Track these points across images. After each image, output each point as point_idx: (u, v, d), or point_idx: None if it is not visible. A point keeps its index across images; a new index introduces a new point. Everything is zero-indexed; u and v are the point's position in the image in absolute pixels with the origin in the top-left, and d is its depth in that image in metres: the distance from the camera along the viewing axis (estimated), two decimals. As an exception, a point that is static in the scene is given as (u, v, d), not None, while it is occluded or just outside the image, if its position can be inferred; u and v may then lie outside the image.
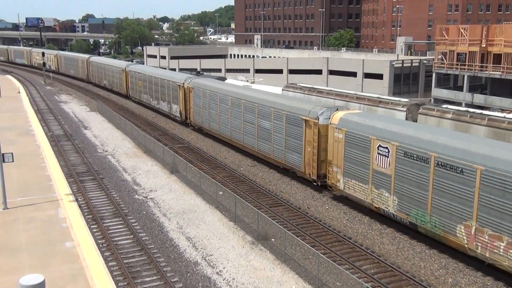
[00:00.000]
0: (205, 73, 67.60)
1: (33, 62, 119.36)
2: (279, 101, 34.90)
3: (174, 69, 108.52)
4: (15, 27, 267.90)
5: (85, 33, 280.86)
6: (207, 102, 44.32)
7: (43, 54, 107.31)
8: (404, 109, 37.46)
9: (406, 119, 36.31)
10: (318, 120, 29.88)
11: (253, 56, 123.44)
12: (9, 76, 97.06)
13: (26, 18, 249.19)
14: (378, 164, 25.43)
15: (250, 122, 37.35)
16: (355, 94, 45.04)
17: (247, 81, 52.90)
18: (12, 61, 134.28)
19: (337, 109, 30.08)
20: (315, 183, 31.05)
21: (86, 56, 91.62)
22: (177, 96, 51.10)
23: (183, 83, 49.50)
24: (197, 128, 48.65)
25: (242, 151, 40.09)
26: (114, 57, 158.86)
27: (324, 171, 30.09)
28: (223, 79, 60.16)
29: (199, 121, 46.86)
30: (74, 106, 65.36)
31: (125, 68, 68.40)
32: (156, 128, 51.28)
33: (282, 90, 52.70)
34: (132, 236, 24.55)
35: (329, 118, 29.23)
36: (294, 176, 33.59)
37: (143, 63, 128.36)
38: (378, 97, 42.13)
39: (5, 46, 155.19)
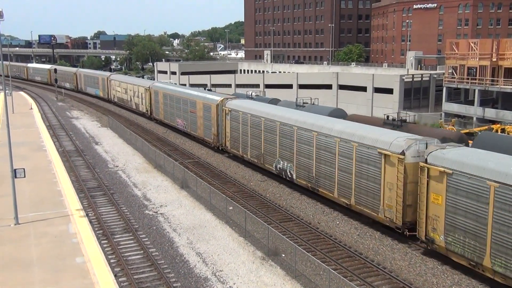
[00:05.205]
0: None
1: (111, 95, 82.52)
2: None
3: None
4: (28, 44, 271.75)
5: (97, 49, 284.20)
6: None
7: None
8: None
9: None
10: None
11: (263, 71, 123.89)
12: (21, 93, 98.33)
13: (39, 35, 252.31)
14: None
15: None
16: None
17: None
18: (81, 91, 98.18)
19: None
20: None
21: (216, 97, 46.12)
22: None
23: None
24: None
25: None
26: (126, 73, 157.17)
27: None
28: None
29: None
30: (86, 122, 65.90)
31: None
32: (166, 143, 51.48)
33: None
34: (142, 251, 24.53)
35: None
36: (303, 191, 33.67)
37: (154, 79, 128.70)
38: None
39: (74, 69, 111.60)
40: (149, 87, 65.05)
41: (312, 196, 32.79)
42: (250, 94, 53.56)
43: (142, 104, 67.86)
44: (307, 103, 45.17)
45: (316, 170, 31.36)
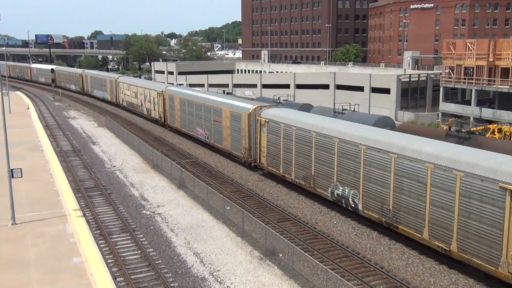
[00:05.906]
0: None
1: (119, 99, 75.90)
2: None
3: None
4: (25, 44, 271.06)
5: (94, 49, 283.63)
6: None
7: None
8: None
9: None
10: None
11: (260, 71, 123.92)
12: (18, 93, 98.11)
13: (36, 35, 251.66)
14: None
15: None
16: None
17: None
18: (87, 93, 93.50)
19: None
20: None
21: (248, 105, 40.65)
22: None
23: None
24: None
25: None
26: (123, 73, 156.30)
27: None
28: None
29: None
30: (83, 122, 65.79)
31: None
32: (163, 143, 51.42)
33: None
34: (139, 251, 24.51)
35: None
36: (301, 191, 33.67)
37: (151, 79, 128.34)
38: None
39: (79, 70, 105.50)
40: (162, 91, 58.62)
41: (310, 196, 32.78)
42: (277, 98, 46.62)
43: (154, 109, 61.47)
44: (346, 109, 39.52)
45: (394, 202, 24.94)
